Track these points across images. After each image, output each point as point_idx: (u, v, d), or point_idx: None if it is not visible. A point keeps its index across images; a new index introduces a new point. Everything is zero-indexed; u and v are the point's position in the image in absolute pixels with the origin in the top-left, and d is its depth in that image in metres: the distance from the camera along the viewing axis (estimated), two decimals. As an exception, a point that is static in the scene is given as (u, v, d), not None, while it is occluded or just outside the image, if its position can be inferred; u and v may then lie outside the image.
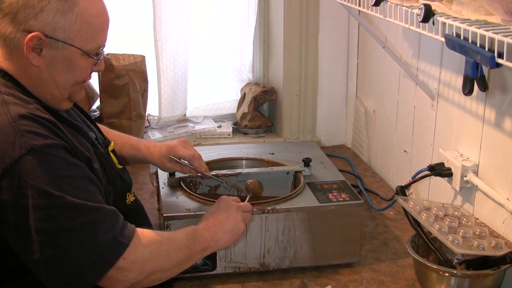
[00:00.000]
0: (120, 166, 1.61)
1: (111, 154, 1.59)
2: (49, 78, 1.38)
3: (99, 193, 1.35)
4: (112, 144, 1.62)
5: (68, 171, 1.29)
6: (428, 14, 1.50)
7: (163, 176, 1.93)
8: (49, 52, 1.35)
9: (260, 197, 1.88)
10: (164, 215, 1.72)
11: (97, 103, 2.65)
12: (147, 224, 1.62)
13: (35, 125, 1.28)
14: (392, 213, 2.15)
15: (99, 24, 1.39)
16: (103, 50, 1.44)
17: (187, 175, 1.89)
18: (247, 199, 1.71)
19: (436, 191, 2.04)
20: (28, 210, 1.23)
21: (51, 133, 1.30)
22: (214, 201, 1.64)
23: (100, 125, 1.73)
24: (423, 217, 1.70)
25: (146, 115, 2.70)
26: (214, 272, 1.76)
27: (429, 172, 1.89)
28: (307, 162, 1.97)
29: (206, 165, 1.84)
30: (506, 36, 1.26)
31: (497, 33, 1.29)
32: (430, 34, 1.55)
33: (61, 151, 1.29)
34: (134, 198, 1.64)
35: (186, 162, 1.83)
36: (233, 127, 2.83)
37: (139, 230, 1.36)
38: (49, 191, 1.24)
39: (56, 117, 1.37)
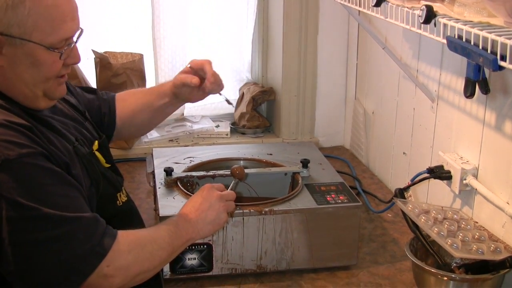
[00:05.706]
0: (107, 165, 1.54)
1: (97, 153, 1.51)
2: (15, 77, 1.31)
3: (81, 197, 1.31)
4: (96, 143, 1.54)
5: (45, 179, 1.25)
6: (430, 16, 1.49)
7: (160, 175, 1.92)
8: (9, 50, 1.28)
9: (257, 197, 1.87)
10: (160, 215, 1.70)
11: (94, 101, 2.63)
12: (139, 225, 1.59)
13: (10, 133, 1.23)
14: (390, 215, 2.14)
15: (58, 14, 1.29)
16: (73, 40, 1.35)
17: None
18: (231, 185, 1.68)
19: (435, 194, 2.03)
20: (2, 222, 1.20)
21: (28, 140, 1.25)
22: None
23: (119, 94, 1.77)
24: (422, 220, 1.69)
25: (144, 114, 2.67)
26: (210, 274, 1.75)
27: (428, 174, 1.88)
28: (305, 163, 1.95)
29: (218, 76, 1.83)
30: (509, 39, 1.24)
31: (500, 35, 1.27)
32: (431, 36, 1.53)
33: (38, 159, 1.25)
34: (126, 198, 1.58)
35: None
36: (231, 127, 2.82)
37: (123, 234, 1.32)
38: (22, 203, 1.20)
39: (33, 118, 1.32)
